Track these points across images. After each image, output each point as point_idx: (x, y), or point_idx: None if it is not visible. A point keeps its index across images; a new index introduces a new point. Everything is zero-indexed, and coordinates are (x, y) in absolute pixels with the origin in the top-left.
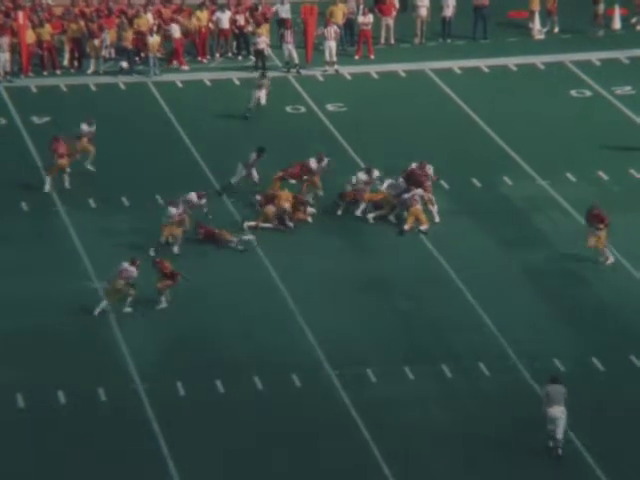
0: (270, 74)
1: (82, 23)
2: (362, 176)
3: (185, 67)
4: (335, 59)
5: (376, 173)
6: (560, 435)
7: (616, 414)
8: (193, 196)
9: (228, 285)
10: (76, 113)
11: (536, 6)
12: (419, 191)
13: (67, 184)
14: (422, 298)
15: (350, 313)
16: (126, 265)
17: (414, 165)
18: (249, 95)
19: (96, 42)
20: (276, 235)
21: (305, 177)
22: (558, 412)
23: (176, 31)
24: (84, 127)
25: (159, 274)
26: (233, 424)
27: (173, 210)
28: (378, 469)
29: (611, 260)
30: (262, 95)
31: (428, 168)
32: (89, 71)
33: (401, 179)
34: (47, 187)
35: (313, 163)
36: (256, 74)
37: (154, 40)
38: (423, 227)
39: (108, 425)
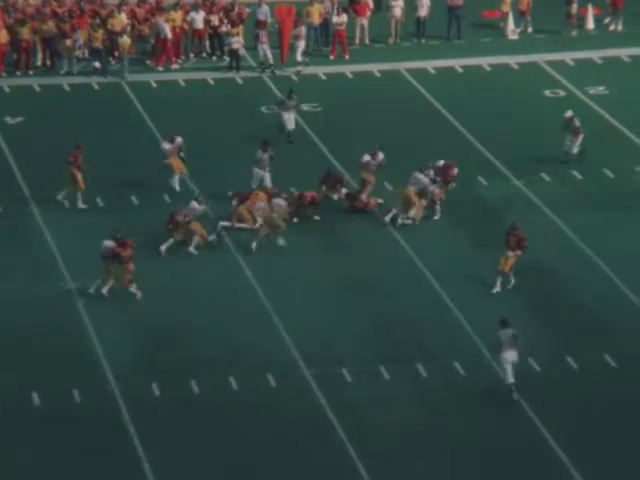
0: (243, 73)
1: (51, 23)
2: (367, 157)
3: (176, 66)
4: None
5: (380, 156)
6: (512, 379)
7: (590, 413)
8: (194, 205)
9: (203, 285)
10: (49, 113)
11: (507, 7)
12: (433, 187)
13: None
14: (397, 297)
15: (325, 313)
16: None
17: (442, 162)
18: (279, 119)
19: (68, 42)
20: (251, 235)
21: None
22: (511, 356)
23: (167, 30)
24: (165, 146)
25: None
26: (208, 424)
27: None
28: (354, 469)
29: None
30: (291, 118)
31: (453, 170)
32: (62, 71)
33: (420, 174)
34: (62, 196)
35: (367, 157)
36: (283, 96)
37: (124, 41)
38: (411, 216)
39: (83, 426)
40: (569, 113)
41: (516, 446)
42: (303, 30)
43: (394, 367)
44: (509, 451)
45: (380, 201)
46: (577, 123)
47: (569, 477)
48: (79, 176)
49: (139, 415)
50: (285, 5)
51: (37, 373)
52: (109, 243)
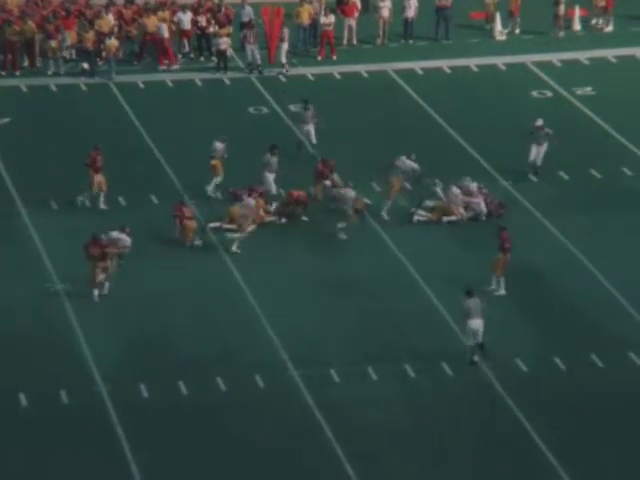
0: (230, 73)
1: (32, 24)
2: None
3: (176, 66)
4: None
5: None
6: (480, 339)
7: (578, 413)
8: (119, 235)
9: (191, 286)
10: (36, 114)
11: (491, 8)
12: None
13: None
14: (385, 298)
15: (313, 313)
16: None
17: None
18: (298, 133)
19: (52, 43)
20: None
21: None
22: (477, 324)
23: (165, 30)
24: (218, 145)
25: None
26: (196, 425)
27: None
28: (342, 469)
29: (501, 292)
30: (311, 130)
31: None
32: (49, 72)
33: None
34: (82, 200)
35: (401, 162)
36: (299, 107)
37: (111, 42)
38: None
39: (70, 428)
40: (539, 122)
41: (504, 447)
42: (286, 31)
43: (382, 368)
44: (497, 452)
45: (368, 202)
46: (548, 131)
47: (557, 478)
48: (96, 178)
49: (127, 416)
50: (270, 6)
51: (24, 374)
52: (116, 234)
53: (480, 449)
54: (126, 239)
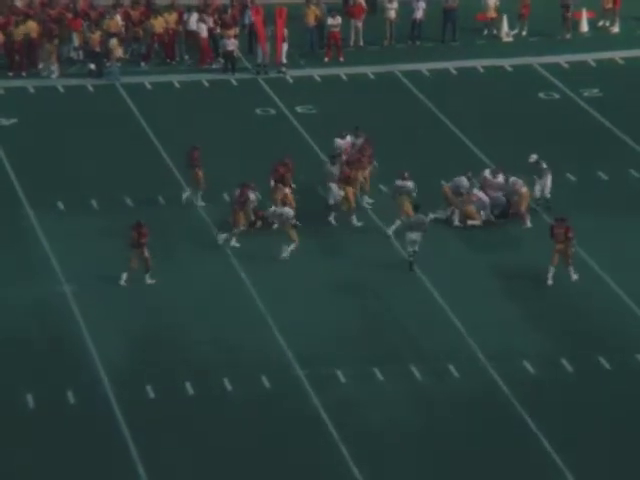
0: (238, 75)
1: (32, 24)
2: (340, 142)
3: (215, 65)
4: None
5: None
6: (417, 248)
7: (585, 415)
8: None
9: (197, 286)
10: (44, 115)
11: (492, 13)
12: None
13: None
14: (391, 298)
15: (319, 314)
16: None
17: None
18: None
19: (48, 46)
20: (245, 237)
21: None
22: (416, 236)
23: (203, 30)
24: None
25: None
26: (203, 426)
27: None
28: (348, 470)
29: (574, 278)
30: (334, 186)
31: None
32: (53, 76)
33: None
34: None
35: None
36: (327, 163)
37: (113, 43)
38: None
39: (77, 428)
40: (533, 157)
41: (510, 449)
42: (286, 32)
43: (388, 368)
44: (503, 454)
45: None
46: (543, 165)
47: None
48: (200, 175)
49: (133, 417)
50: (259, 6)
51: (32, 375)
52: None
53: (486, 450)
54: (289, 211)
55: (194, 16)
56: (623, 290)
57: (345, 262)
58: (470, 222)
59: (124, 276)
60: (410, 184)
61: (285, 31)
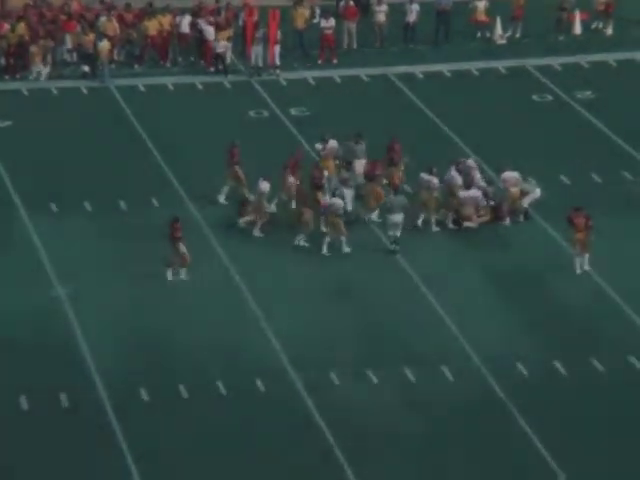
0: (231, 77)
1: (24, 26)
2: (319, 146)
3: (212, 68)
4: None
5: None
6: (399, 234)
7: (579, 418)
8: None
9: (192, 290)
10: (38, 117)
11: (482, 17)
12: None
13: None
14: (385, 301)
15: (313, 317)
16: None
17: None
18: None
19: (33, 48)
20: (241, 239)
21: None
22: (398, 218)
23: (211, 34)
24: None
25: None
26: (197, 429)
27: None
28: (342, 473)
29: (580, 270)
30: (349, 196)
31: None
32: (42, 78)
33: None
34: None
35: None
36: (341, 176)
37: (103, 45)
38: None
39: (70, 431)
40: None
41: (504, 452)
42: (279, 34)
43: (382, 371)
44: (497, 457)
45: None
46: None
47: None
48: (239, 172)
49: (127, 420)
50: (253, 7)
51: (25, 377)
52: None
53: (480, 453)
54: (339, 202)
55: (186, 19)
56: (616, 292)
57: (339, 265)
58: (466, 224)
59: (168, 273)
60: (435, 181)
61: (278, 33)
